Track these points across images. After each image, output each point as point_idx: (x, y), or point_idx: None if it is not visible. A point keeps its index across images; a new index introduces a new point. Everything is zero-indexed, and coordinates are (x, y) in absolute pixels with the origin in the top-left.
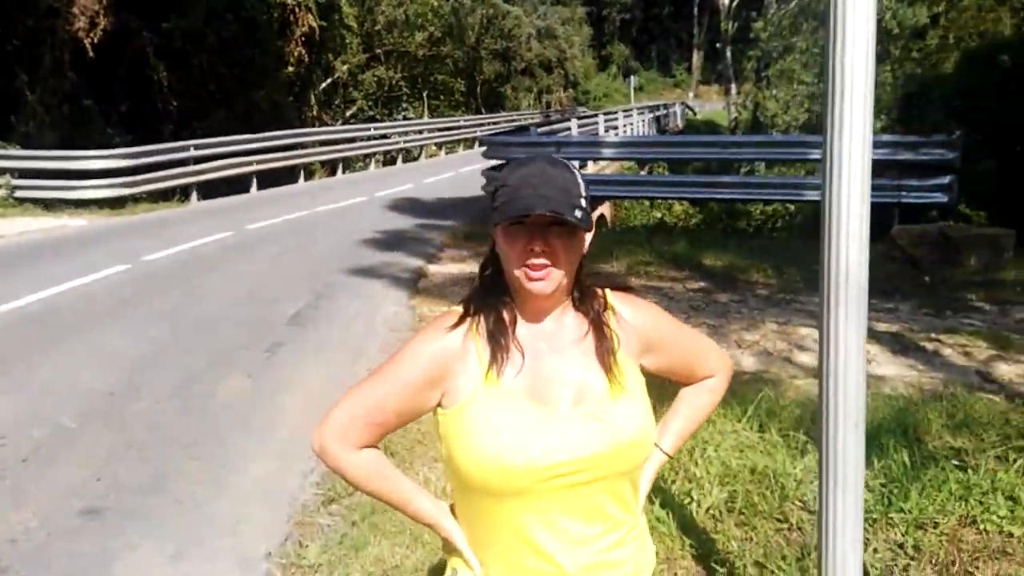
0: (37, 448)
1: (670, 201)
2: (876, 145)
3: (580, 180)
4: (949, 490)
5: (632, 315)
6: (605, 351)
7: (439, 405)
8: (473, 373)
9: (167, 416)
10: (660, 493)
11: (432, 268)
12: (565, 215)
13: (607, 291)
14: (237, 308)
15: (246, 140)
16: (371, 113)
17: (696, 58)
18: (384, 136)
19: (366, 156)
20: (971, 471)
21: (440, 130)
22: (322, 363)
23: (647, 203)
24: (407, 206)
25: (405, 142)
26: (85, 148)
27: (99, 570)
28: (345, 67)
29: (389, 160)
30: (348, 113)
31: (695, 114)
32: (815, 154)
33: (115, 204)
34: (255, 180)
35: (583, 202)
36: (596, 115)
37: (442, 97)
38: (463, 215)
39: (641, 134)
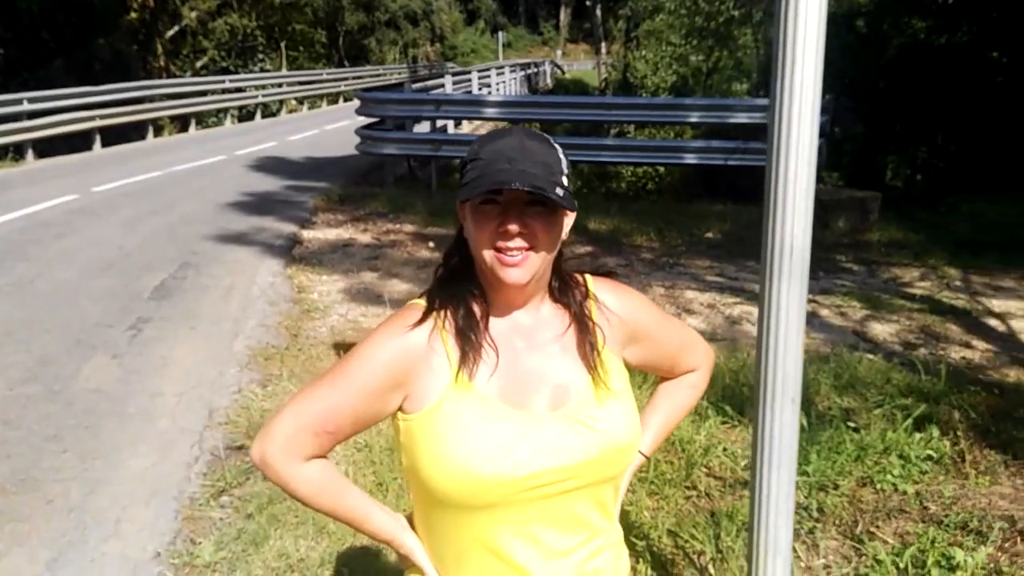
0: None
1: None
2: (750, 109)
3: (562, 155)
4: (846, 452)
5: (616, 304)
6: (588, 347)
7: (400, 409)
8: (441, 375)
9: (24, 405)
10: None
11: (307, 234)
12: (546, 192)
13: (587, 277)
14: (91, 281)
15: (87, 93)
16: (224, 64)
17: (564, 16)
18: (240, 89)
19: (220, 111)
20: (863, 431)
21: (301, 83)
22: (197, 340)
23: None
24: (273, 166)
25: (263, 96)
26: None
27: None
28: (194, 13)
29: (246, 115)
30: (199, 64)
31: (564, 73)
32: (693, 117)
33: None
34: (99, 137)
35: (565, 180)
36: (469, 72)
37: (301, 48)
38: (335, 176)
39: (514, 93)
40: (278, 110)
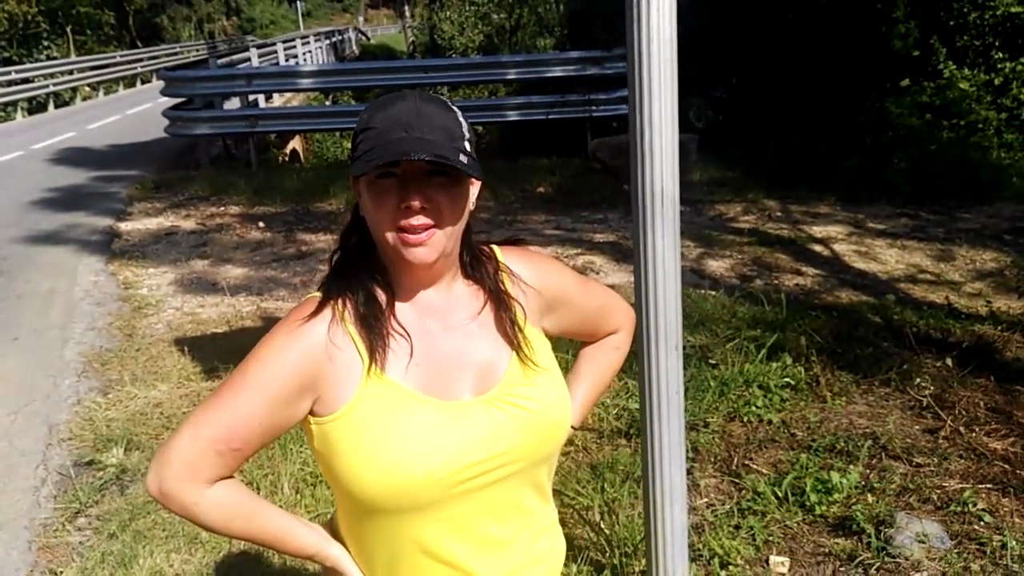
0: None
1: None
2: (566, 62)
3: (462, 119)
4: (711, 390)
5: (529, 272)
6: (509, 324)
7: (311, 413)
8: (351, 371)
9: None
10: None
11: (124, 226)
12: (450, 160)
13: (495, 248)
14: None
15: None
16: (7, 55)
17: None
18: (27, 80)
19: (8, 104)
20: (722, 367)
21: (94, 68)
22: (22, 353)
23: (338, 134)
24: (75, 157)
25: (54, 85)
26: None
27: None
28: None
29: (38, 107)
30: None
31: (369, 39)
32: (511, 74)
33: None
34: None
35: (467, 145)
36: (275, 44)
37: (89, 32)
38: (146, 162)
39: (323, 62)
40: (71, 98)
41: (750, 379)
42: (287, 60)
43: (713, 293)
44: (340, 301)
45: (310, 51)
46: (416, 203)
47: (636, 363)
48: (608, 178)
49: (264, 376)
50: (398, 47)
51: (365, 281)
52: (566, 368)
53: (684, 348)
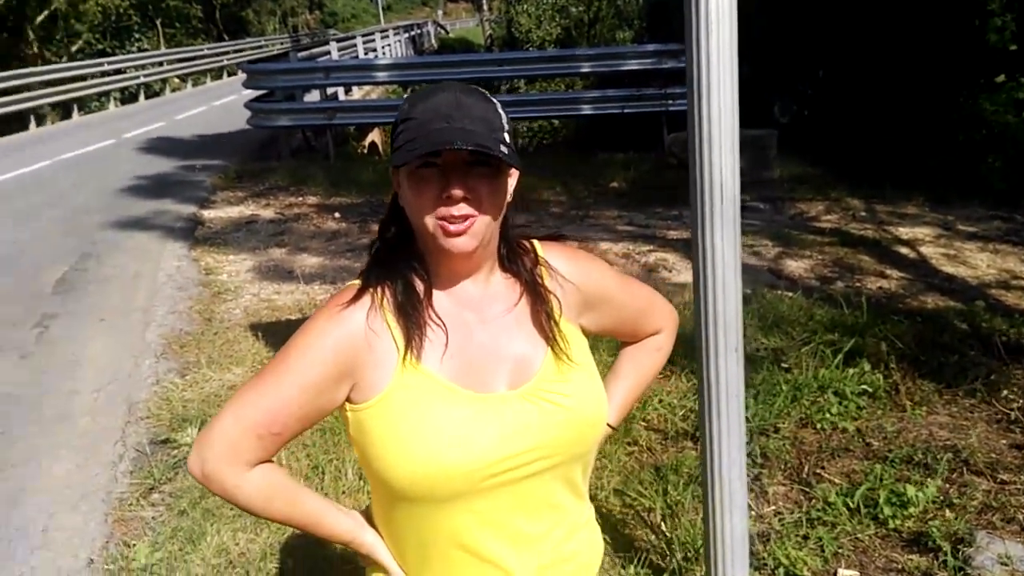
0: None
1: None
2: (642, 55)
3: (501, 110)
4: (782, 394)
5: (569, 268)
6: (544, 318)
7: (348, 400)
8: (388, 359)
9: None
10: None
11: (208, 213)
12: (491, 150)
13: (535, 243)
14: None
15: None
16: (100, 47)
17: None
18: (119, 71)
19: (102, 95)
20: (796, 371)
21: (182, 61)
22: (107, 333)
23: None
24: (164, 146)
25: (144, 76)
26: None
27: None
28: None
29: (129, 97)
30: (74, 48)
31: (447, 33)
32: (585, 67)
33: None
34: None
35: (507, 136)
36: (354, 37)
37: (177, 25)
38: (229, 152)
39: (401, 56)
40: (161, 89)
41: (825, 385)
42: (366, 53)
43: (790, 294)
44: (379, 290)
45: (389, 45)
46: (458, 192)
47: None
48: (683, 174)
49: (303, 362)
50: (476, 41)
51: (404, 271)
52: (605, 369)
53: (756, 350)
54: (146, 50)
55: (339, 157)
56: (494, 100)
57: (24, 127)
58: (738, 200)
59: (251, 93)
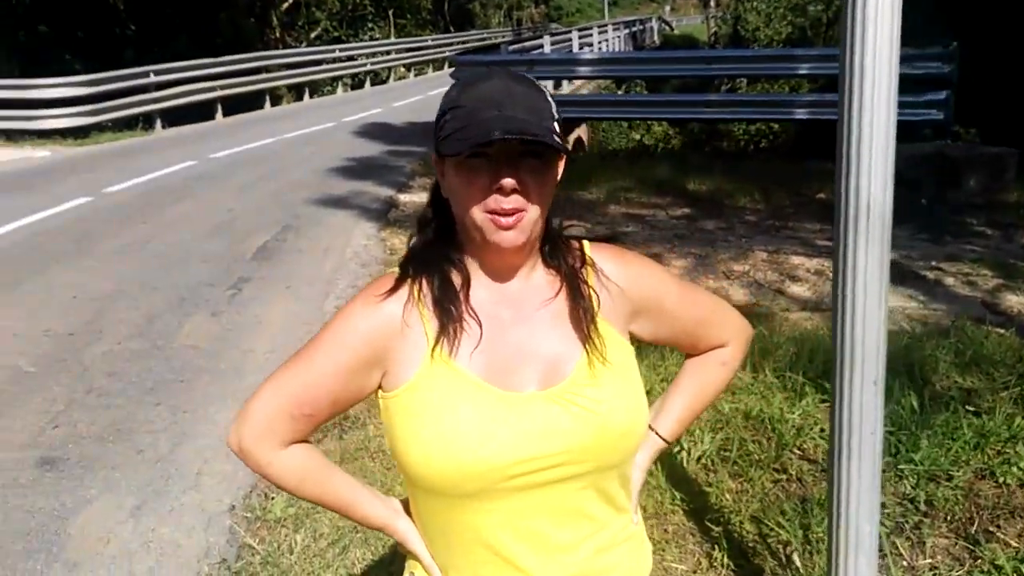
0: None
1: (649, 122)
2: None
3: (550, 98)
4: (963, 438)
5: (617, 271)
6: (582, 315)
7: (380, 387)
8: (418, 350)
9: (128, 359)
10: None
11: (403, 197)
12: (543, 138)
13: (585, 243)
14: (202, 242)
15: (208, 64)
16: (336, 34)
17: None
18: (351, 58)
19: (333, 79)
20: (985, 416)
21: (408, 50)
22: (290, 300)
23: (625, 124)
24: (376, 132)
25: (372, 64)
26: (44, 76)
27: (56, 525)
28: None
29: (357, 83)
30: (312, 35)
31: (672, 29)
32: (803, 69)
33: (79, 134)
34: (220, 106)
35: (557, 125)
36: (569, 32)
37: (408, 16)
38: (433, 140)
39: (617, 51)
40: (387, 77)
41: (1018, 435)
42: (580, 48)
43: (1000, 331)
44: (416, 281)
45: (607, 39)
46: (509, 183)
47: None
48: (902, 189)
49: (335, 346)
50: (701, 38)
51: (442, 265)
52: (662, 382)
53: (944, 389)
54: (377, 39)
55: None
56: (543, 88)
57: (260, 106)
58: (888, 219)
59: None
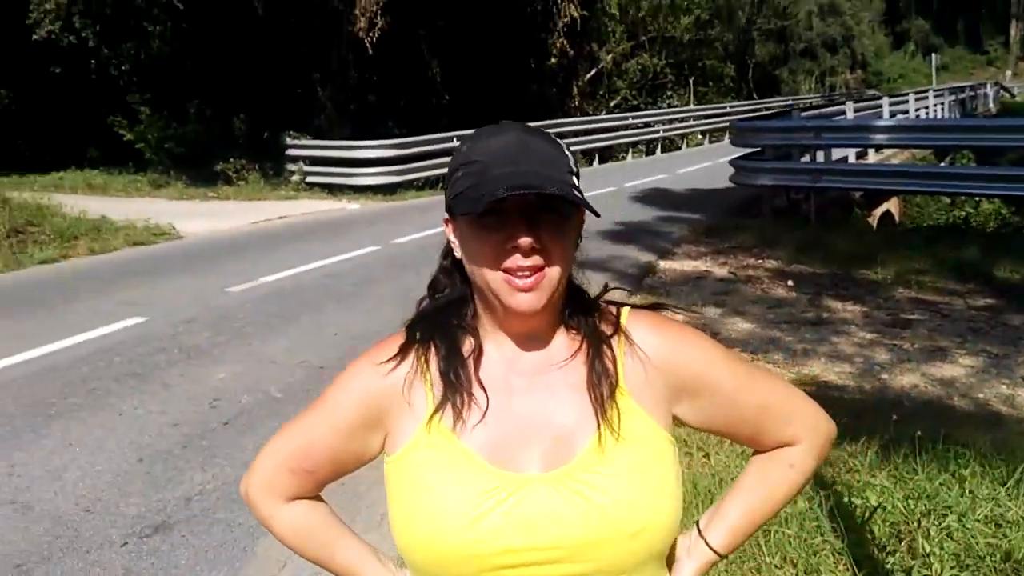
0: (240, 413)
1: (977, 199)
2: None
3: (568, 152)
4: None
5: (653, 342)
6: (599, 387)
7: (383, 450)
8: (417, 417)
9: None
10: (867, 565)
11: (663, 264)
12: (561, 192)
13: (624, 310)
14: None
15: None
16: (635, 102)
17: (1015, 30)
18: (647, 125)
19: (627, 146)
20: None
21: (705, 117)
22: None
23: (946, 200)
24: (654, 197)
25: (665, 131)
26: (368, 140)
27: (246, 543)
28: (609, 56)
29: (651, 150)
30: (612, 103)
31: (1013, 96)
32: None
33: (387, 190)
34: None
35: (575, 179)
36: (880, 98)
37: (710, 83)
38: (712, 207)
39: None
40: (681, 144)
41: None
42: (892, 116)
43: None
44: (424, 345)
45: (927, 107)
46: (527, 241)
47: None
48: None
49: (333, 404)
50: None
51: (452, 331)
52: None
53: None
54: (675, 106)
55: (821, 223)
56: (560, 142)
57: None
58: None
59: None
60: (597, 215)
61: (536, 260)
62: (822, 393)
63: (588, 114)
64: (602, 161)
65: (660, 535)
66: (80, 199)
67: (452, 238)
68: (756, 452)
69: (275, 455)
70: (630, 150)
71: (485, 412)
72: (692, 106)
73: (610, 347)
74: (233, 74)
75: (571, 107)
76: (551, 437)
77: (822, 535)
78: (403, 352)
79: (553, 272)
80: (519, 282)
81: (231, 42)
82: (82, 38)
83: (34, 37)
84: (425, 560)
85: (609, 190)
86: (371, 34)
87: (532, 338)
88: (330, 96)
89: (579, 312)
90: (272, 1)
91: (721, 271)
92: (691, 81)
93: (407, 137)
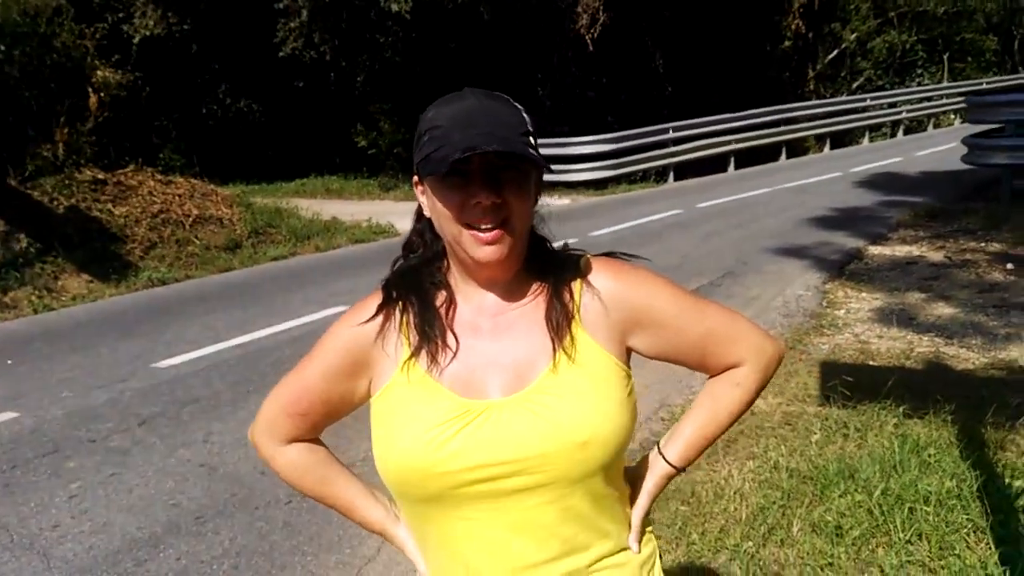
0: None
1: None
2: None
3: (525, 114)
4: None
5: (610, 285)
6: (556, 320)
7: (368, 393)
8: (395, 361)
9: None
10: (1010, 544)
11: (873, 249)
12: (519, 151)
13: (583, 259)
14: None
15: (725, 120)
16: (880, 83)
17: None
18: (891, 106)
19: (868, 128)
20: None
21: (959, 95)
22: None
23: None
24: (880, 182)
25: (909, 112)
26: (584, 136)
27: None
28: (853, 36)
29: (893, 133)
30: (855, 84)
31: None
32: None
33: (599, 185)
34: (733, 159)
35: (532, 139)
36: None
37: (969, 59)
38: (942, 190)
39: None
40: (927, 125)
41: None
42: None
43: None
44: (399, 300)
45: None
46: (486, 199)
47: None
48: None
49: (321, 351)
50: None
51: (425, 287)
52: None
53: None
54: (924, 85)
55: None
56: (518, 105)
57: (775, 158)
58: None
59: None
60: (550, 171)
61: (497, 215)
62: (1013, 378)
63: (824, 97)
64: (835, 146)
65: (605, 448)
66: (317, 203)
67: (422, 199)
68: (710, 377)
69: (274, 401)
70: (868, 133)
71: (455, 353)
72: (944, 84)
73: (569, 289)
74: (460, 79)
75: (806, 91)
76: (513, 368)
77: (966, 513)
78: (382, 307)
79: (515, 225)
80: (483, 235)
81: (458, 48)
82: (321, 52)
83: (280, 54)
84: (399, 479)
85: (833, 175)
86: (592, 30)
87: (498, 285)
88: (549, 94)
89: (541, 260)
90: (497, 5)
91: (936, 256)
92: (945, 57)
93: (623, 131)
